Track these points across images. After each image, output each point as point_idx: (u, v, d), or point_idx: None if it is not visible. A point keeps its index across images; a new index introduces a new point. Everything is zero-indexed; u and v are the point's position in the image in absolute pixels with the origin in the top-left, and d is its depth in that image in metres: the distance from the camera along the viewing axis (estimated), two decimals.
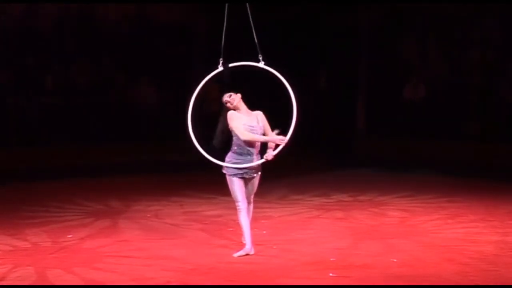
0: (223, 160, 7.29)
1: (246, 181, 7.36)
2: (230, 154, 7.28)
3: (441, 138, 14.88)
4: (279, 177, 11.85)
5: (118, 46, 16.00)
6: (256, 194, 7.68)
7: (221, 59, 7.33)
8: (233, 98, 7.28)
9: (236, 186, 7.28)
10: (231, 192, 7.36)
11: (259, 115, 7.38)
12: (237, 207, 7.35)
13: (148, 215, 9.65)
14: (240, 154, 7.22)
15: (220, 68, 7.36)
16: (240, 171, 7.26)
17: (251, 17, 7.44)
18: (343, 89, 16.99)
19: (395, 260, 7.17)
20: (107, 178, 12.93)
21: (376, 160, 14.67)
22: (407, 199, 10.69)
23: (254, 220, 8.75)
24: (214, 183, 11.80)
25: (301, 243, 7.94)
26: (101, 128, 15.29)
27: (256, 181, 7.42)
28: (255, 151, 7.27)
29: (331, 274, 6.67)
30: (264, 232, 8.54)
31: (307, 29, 16.88)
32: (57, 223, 9.16)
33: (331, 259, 7.21)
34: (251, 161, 7.23)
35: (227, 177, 7.33)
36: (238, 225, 7.81)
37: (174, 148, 15.59)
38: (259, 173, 7.41)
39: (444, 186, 11.69)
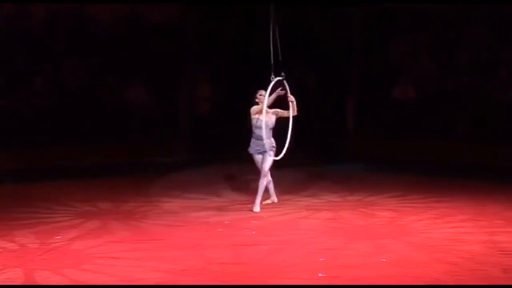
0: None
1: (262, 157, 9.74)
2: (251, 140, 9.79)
3: (430, 139, 14.89)
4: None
5: (109, 47, 15.93)
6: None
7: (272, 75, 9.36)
8: (262, 97, 9.53)
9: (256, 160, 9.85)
10: None
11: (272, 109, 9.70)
12: None
13: (138, 216, 9.62)
14: (256, 138, 9.68)
15: (275, 79, 9.35)
16: (256, 150, 9.76)
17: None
18: (333, 89, 16.99)
19: (384, 260, 7.19)
20: (96, 179, 12.87)
21: (365, 161, 14.68)
22: (397, 199, 10.70)
23: (243, 221, 9.16)
24: (205, 184, 11.89)
25: (291, 244, 7.94)
26: (92, 129, 15.22)
27: (264, 159, 9.67)
28: (263, 136, 9.54)
29: (320, 275, 6.68)
30: (254, 232, 8.55)
31: (298, 29, 16.85)
32: (46, 224, 9.11)
33: (321, 260, 7.22)
34: (263, 144, 9.54)
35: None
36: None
37: (165, 149, 15.58)
38: (266, 153, 9.60)
39: (433, 186, 11.70)
